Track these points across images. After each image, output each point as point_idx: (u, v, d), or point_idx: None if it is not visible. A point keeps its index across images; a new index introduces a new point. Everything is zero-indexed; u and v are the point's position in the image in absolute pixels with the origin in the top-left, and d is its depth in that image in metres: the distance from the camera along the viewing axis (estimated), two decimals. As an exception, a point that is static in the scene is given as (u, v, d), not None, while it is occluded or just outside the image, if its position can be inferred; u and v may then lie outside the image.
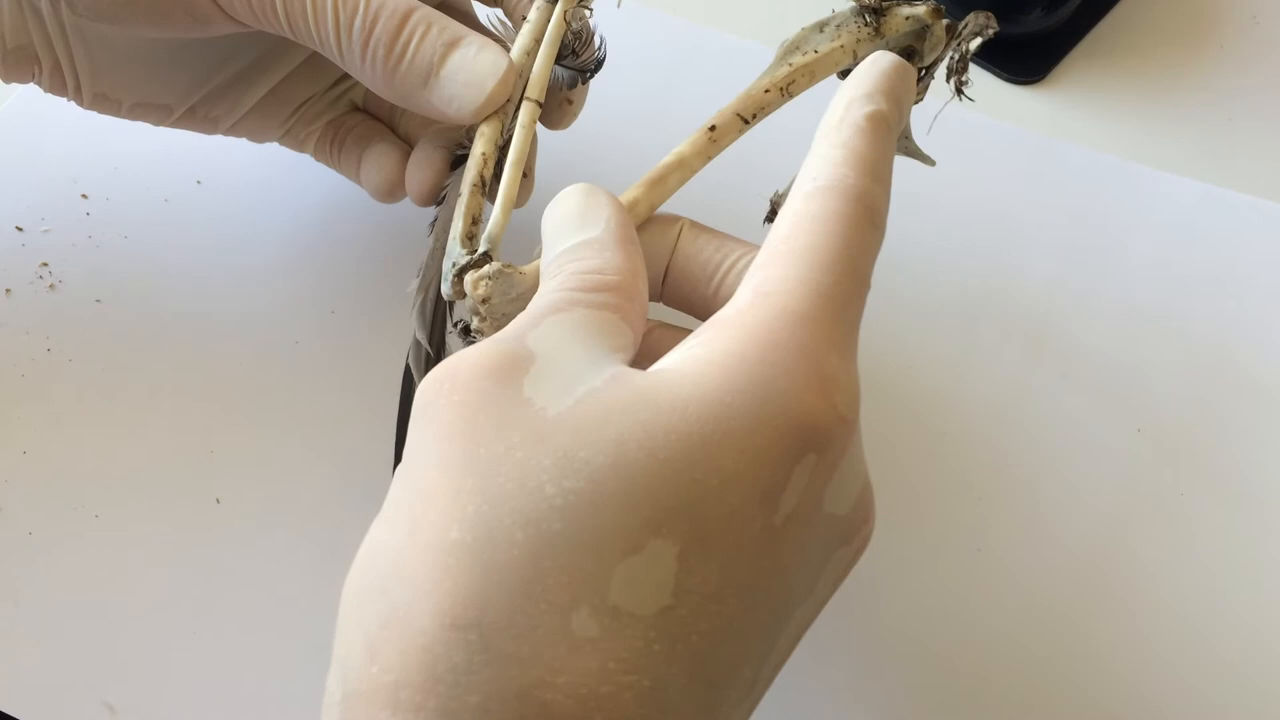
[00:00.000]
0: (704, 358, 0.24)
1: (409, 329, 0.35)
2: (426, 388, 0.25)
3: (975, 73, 0.37)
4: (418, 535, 0.24)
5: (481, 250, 0.32)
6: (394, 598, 0.23)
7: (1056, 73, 0.56)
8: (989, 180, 0.51)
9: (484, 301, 0.30)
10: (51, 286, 0.44)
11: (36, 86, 0.39)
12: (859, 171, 0.27)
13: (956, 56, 0.35)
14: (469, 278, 0.31)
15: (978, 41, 0.35)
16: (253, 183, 0.47)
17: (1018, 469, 0.43)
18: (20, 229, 0.45)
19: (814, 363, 0.24)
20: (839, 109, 0.29)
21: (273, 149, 0.44)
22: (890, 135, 0.29)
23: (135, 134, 0.41)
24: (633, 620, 0.23)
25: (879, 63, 0.30)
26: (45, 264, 0.44)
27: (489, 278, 0.30)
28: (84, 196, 0.46)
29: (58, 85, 0.39)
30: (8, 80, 0.39)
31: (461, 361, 0.25)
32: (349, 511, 0.40)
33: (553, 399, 0.24)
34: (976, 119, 0.52)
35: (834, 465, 0.25)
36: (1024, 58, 0.56)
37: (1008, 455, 0.44)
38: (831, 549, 0.26)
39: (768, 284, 0.26)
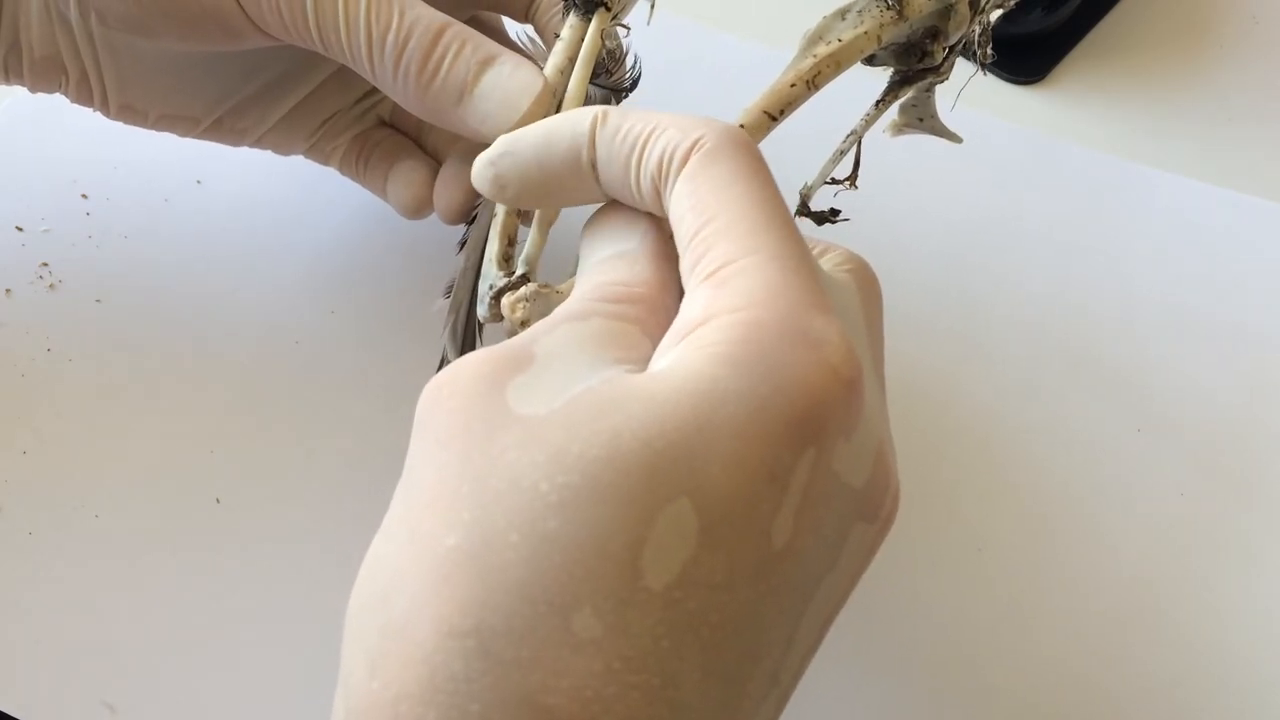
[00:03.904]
0: (691, 356, 0.24)
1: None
2: (425, 397, 0.25)
3: (972, 71, 0.37)
4: (415, 545, 0.23)
5: (519, 272, 0.31)
6: (393, 610, 0.23)
7: (1056, 73, 0.56)
8: (989, 180, 0.51)
9: (523, 324, 0.30)
10: (51, 286, 0.44)
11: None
12: (700, 126, 0.27)
13: (979, 29, 0.34)
14: (506, 300, 0.31)
15: (998, 12, 0.34)
16: (253, 183, 0.47)
17: (1018, 469, 0.43)
18: (20, 229, 0.45)
19: (799, 331, 0.24)
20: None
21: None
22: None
23: (135, 134, 0.41)
24: (638, 617, 0.22)
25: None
26: (45, 264, 0.44)
27: (527, 299, 0.30)
28: (84, 196, 0.46)
29: (84, 96, 0.39)
30: (34, 90, 0.39)
31: (460, 368, 0.25)
32: (349, 511, 0.40)
33: (545, 400, 0.24)
34: (977, 119, 0.52)
35: (846, 432, 0.24)
36: (1024, 58, 0.56)
37: (1007, 455, 0.44)
38: (850, 524, 0.25)
39: (721, 272, 0.25)
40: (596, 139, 0.28)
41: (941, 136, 0.36)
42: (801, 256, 0.25)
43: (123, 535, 0.39)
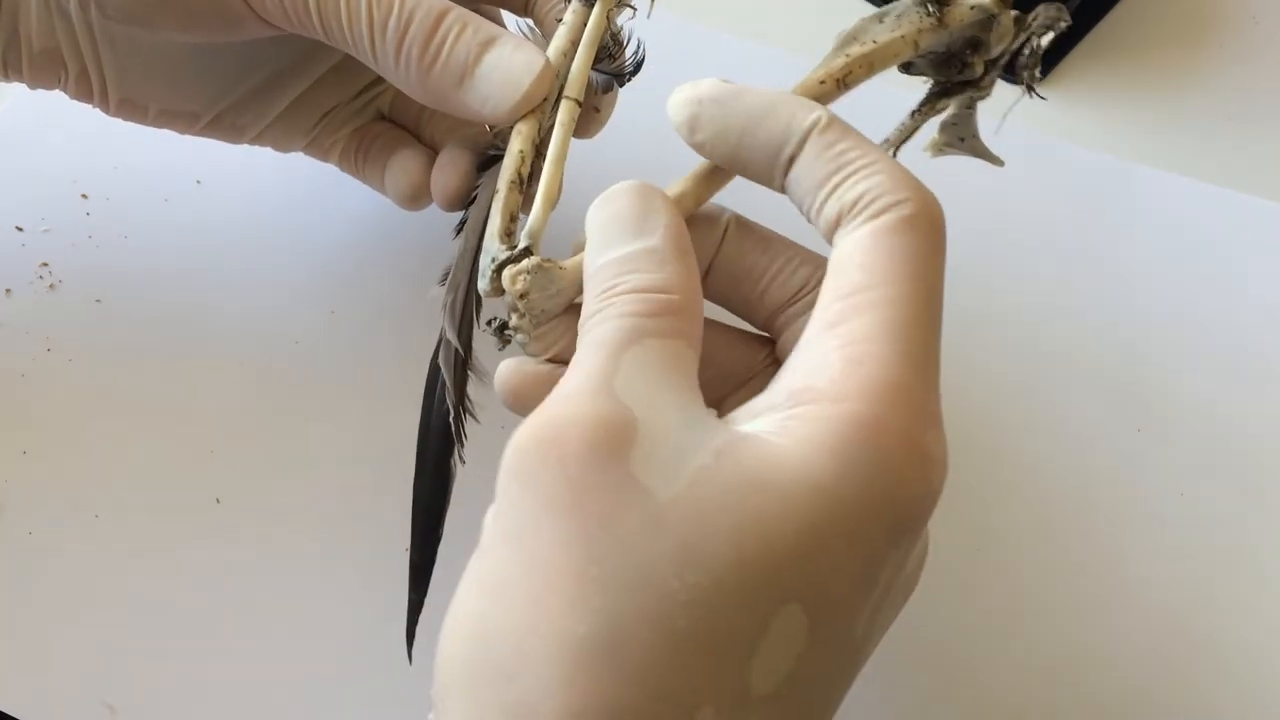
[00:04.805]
0: (805, 437, 0.24)
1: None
2: (529, 449, 0.24)
3: (1019, 94, 0.35)
4: (542, 624, 0.23)
5: (522, 245, 0.31)
6: (520, 689, 0.23)
7: (1056, 73, 0.56)
8: (989, 181, 0.51)
9: (522, 297, 0.30)
10: (51, 286, 0.44)
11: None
12: (911, 188, 0.26)
13: (1028, 52, 0.34)
14: (508, 273, 0.30)
15: (1050, 36, 0.34)
16: (252, 182, 0.47)
17: (1017, 469, 0.43)
18: (20, 229, 0.45)
19: (915, 444, 0.24)
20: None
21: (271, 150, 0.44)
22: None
23: (135, 134, 0.41)
24: (750, 714, 0.23)
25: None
26: (45, 264, 0.44)
27: (528, 272, 0.30)
28: (84, 196, 0.46)
29: (84, 91, 0.39)
30: (33, 86, 0.39)
31: (568, 427, 0.24)
32: (349, 511, 0.40)
33: (664, 480, 0.24)
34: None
35: (921, 536, 0.26)
36: (1024, 58, 0.56)
37: (1007, 455, 0.44)
38: (899, 607, 0.28)
39: (856, 347, 0.25)
40: (809, 141, 0.27)
41: (983, 159, 0.35)
42: (934, 355, 0.26)
43: (123, 535, 0.39)
